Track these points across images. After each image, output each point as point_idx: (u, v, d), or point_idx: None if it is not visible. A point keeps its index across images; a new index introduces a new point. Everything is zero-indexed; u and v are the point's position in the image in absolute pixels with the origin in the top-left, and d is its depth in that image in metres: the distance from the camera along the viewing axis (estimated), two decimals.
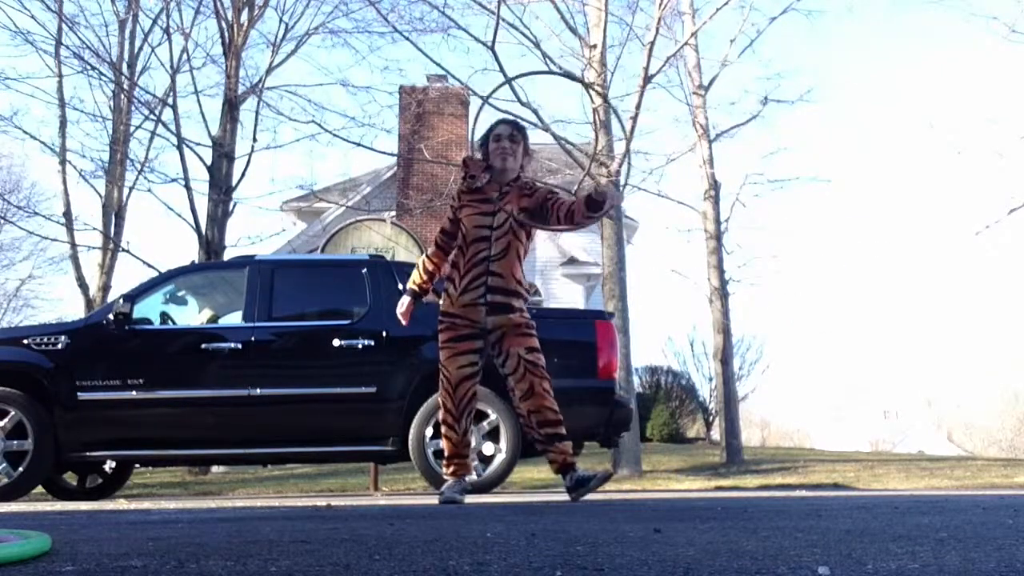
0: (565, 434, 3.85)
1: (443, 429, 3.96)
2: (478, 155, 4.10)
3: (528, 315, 3.93)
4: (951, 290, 65.36)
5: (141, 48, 14.17)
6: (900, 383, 46.20)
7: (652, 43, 10.15)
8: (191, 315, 6.14)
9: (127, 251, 12.50)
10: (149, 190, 13.29)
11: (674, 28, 12.79)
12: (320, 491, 7.84)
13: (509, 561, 1.56)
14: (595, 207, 3.70)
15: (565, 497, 4.02)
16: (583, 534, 2.05)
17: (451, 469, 3.93)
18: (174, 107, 12.24)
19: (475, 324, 3.87)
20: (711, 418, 19.45)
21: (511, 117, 4.16)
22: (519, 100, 9.85)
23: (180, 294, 6.08)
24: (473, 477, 4.53)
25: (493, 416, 5.38)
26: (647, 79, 10.16)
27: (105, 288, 14.10)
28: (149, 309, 5.75)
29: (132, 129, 13.95)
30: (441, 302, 4.05)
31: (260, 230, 34.28)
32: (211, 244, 11.77)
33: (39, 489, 6.05)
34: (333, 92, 50.38)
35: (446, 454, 3.96)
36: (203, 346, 5.51)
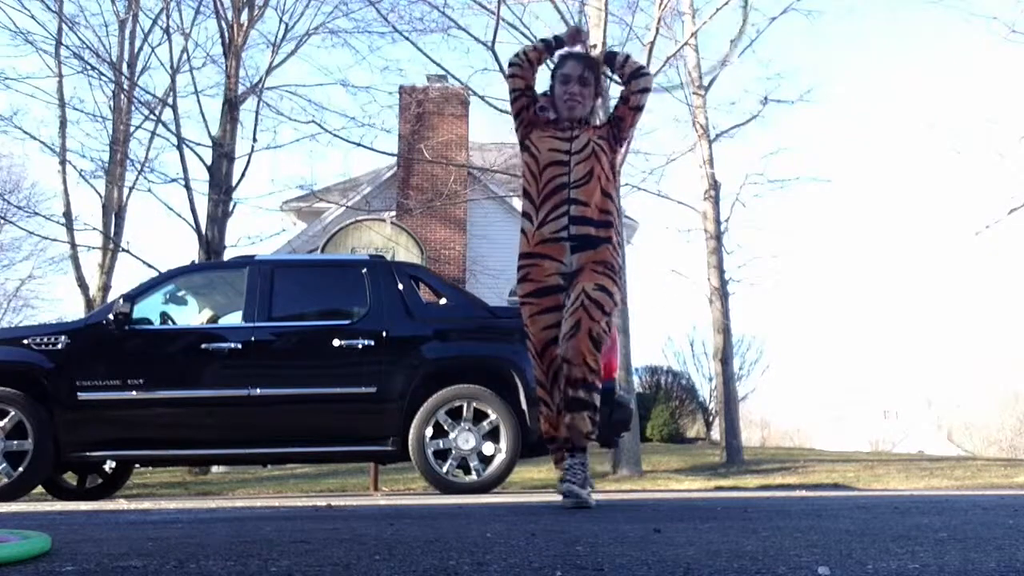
0: (588, 401, 3.15)
1: (539, 406, 3.40)
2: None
3: (618, 251, 3.36)
4: (951, 290, 65.42)
5: (141, 48, 14.19)
6: (900, 383, 46.18)
7: (652, 43, 10.16)
8: (191, 315, 6.14)
9: (127, 251, 12.51)
10: (149, 190, 13.30)
11: (674, 28, 12.80)
12: (320, 491, 7.84)
13: (509, 561, 1.56)
14: (610, 63, 3.45)
15: None
16: (583, 534, 2.05)
17: (555, 457, 3.36)
18: (174, 107, 12.25)
19: (559, 265, 3.28)
20: (711, 418, 19.45)
21: (582, 51, 3.52)
22: None
23: (180, 294, 6.08)
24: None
25: (493, 416, 5.38)
26: None
27: (105, 288, 14.10)
28: (149, 309, 5.75)
29: (132, 129, 13.95)
30: (519, 244, 3.48)
31: (260, 230, 34.22)
32: (211, 244, 11.77)
33: (39, 489, 6.05)
34: (333, 92, 50.43)
35: (544, 437, 3.41)
36: (203, 346, 5.51)
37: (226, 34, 12.37)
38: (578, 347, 3.12)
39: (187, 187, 11.99)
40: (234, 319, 5.85)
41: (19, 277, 25.26)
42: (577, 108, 3.38)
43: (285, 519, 2.85)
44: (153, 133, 13.38)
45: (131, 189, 14.31)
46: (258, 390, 5.41)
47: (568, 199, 3.26)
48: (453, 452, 5.37)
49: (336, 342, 5.48)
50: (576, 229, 3.25)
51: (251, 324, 5.57)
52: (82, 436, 5.34)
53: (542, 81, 3.56)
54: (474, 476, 5.36)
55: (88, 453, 5.40)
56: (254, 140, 12.42)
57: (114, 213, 14.32)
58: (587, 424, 3.17)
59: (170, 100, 12.34)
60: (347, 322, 5.61)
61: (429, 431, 5.36)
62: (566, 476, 3.18)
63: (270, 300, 5.64)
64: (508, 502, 4.10)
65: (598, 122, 3.54)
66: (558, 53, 3.52)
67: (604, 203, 3.29)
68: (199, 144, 12.32)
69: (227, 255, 11.65)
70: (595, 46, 10.37)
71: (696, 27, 11.69)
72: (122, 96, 13.73)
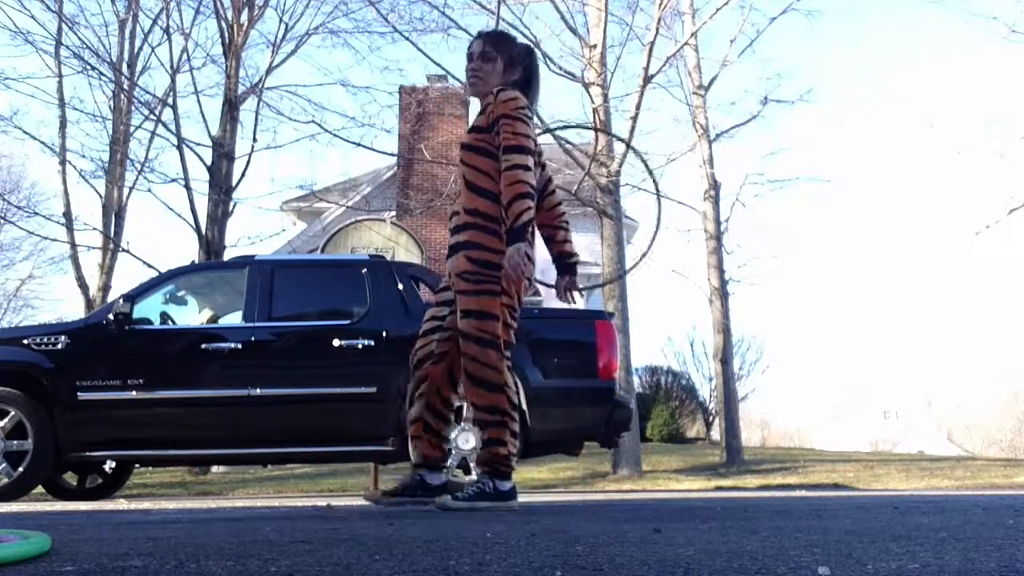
0: (492, 436, 3.06)
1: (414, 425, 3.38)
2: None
3: (482, 251, 3.00)
4: (951, 290, 65.44)
5: (141, 48, 14.18)
6: (900, 383, 46.20)
7: (652, 43, 10.16)
8: (191, 315, 6.14)
9: (127, 251, 12.50)
10: (149, 190, 13.30)
11: (674, 28, 12.80)
12: (320, 491, 7.84)
13: (509, 561, 1.56)
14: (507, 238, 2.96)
15: (565, 497, 4.02)
16: (583, 534, 2.05)
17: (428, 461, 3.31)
18: (174, 107, 12.24)
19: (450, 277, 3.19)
20: (711, 418, 19.44)
21: (486, 30, 3.33)
22: None
23: (180, 294, 6.08)
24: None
25: None
26: (647, 79, 10.16)
27: (105, 288, 14.09)
28: (149, 309, 5.75)
29: (132, 129, 13.95)
30: None
31: (260, 230, 34.25)
32: (211, 244, 11.77)
33: (39, 489, 6.05)
34: (333, 92, 50.48)
35: (427, 458, 3.35)
36: (203, 346, 5.51)
37: (226, 34, 12.37)
38: (467, 389, 3.06)
39: (187, 187, 11.99)
40: (234, 319, 5.85)
41: (19, 277, 25.30)
42: (477, 84, 3.19)
43: (285, 519, 2.85)
44: (153, 133, 13.39)
45: (131, 189, 14.31)
46: (258, 390, 5.40)
47: (452, 214, 3.18)
48: (453, 452, 5.37)
49: (336, 342, 5.48)
50: (451, 239, 3.13)
51: (251, 324, 5.57)
52: (82, 436, 5.34)
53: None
54: (474, 476, 5.36)
55: (88, 453, 5.40)
56: (254, 140, 12.43)
57: (114, 213, 14.32)
58: (498, 450, 3.04)
59: (170, 100, 12.34)
60: (347, 322, 5.61)
61: None
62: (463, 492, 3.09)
63: (270, 300, 5.64)
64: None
65: (494, 93, 3.10)
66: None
67: (471, 203, 3.05)
68: (199, 144, 12.34)
69: (227, 255, 11.65)
70: (595, 46, 10.38)
71: (696, 27, 11.69)
72: (122, 96, 13.73)
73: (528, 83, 3.19)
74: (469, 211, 3.03)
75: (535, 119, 3.24)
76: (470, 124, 3.18)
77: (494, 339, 3.01)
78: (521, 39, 3.89)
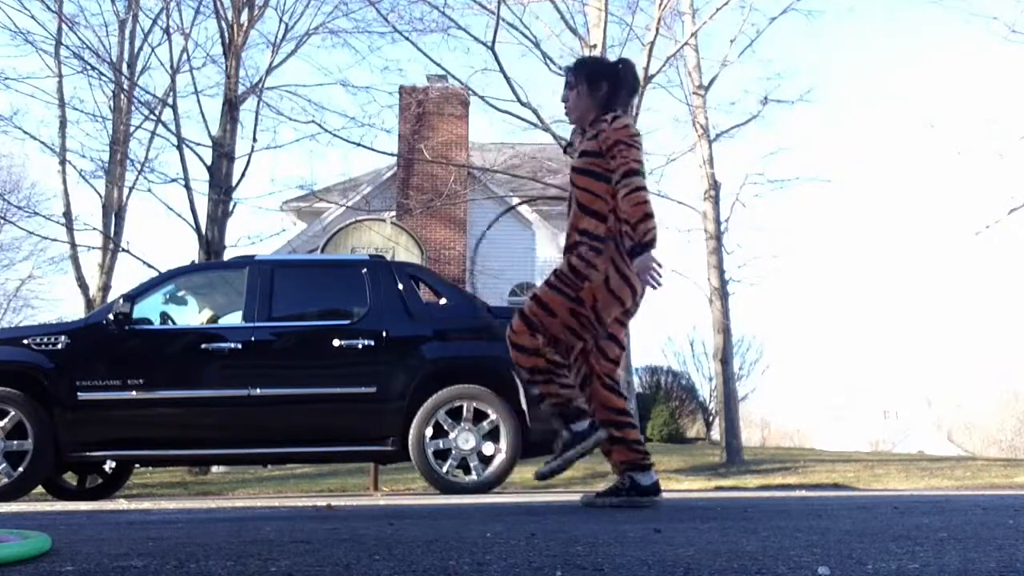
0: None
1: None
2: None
3: (581, 262, 3.23)
4: (951, 290, 65.43)
5: (141, 48, 14.18)
6: (900, 383, 46.19)
7: (652, 43, 10.16)
8: (191, 315, 6.14)
9: (127, 251, 12.50)
10: (149, 190, 13.28)
11: (674, 28, 12.79)
12: (320, 491, 7.84)
13: (509, 561, 1.56)
14: (634, 252, 3.18)
15: (565, 497, 4.02)
16: (583, 534, 2.05)
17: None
18: (174, 107, 12.24)
19: None
20: (711, 418, 19.44)
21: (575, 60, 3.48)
22: (519, 100, 9.87)
23: (180, 294, 6.08)
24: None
25: (493, 416, 5.38)
26: (647, 79, 10.16)
27: (105, 288, 14.09)
28: (149, 309, 5.75)
29: (132, 129, 13.94)
30: None
31: (260, 230, 34.26)
32: (211, 244, 11.76)
33: (39, 489, 6.05)
34: (333, 92, 50.47)
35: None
36: (203, 346, 5.51)
37: (226, 34, 12.37)
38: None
39: (187, 187, 11.99)
40: (234, 319, 5.85)
41: (19, 277, 25.30)
42: (570, 114, 3.43)
43: (285, 519, 2.85)
44: (153, 133, 13.39)
45: (131, 189, 14.30)
46: (258, 390, 5.41)
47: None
48: (453, 452, 5.38)
49: (336, 342, 5.48)
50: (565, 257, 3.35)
51: (251, 324, 5.57)
52: (82, 436, 5.34)
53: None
54: (474, 476, 5.36)
55: (88, 453, 5.40)
56: (254, 140, 12.42)
57: (114, 213, 14.31)
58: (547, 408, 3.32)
59: (170, 100, 12.33)
60: (347, 322, 5.61)
61: (429, 431, 5.36)
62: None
63: (270, 300, 5.64)
64: (508, 502, 4.10)
65: (603, 120, 3.31)
66: None
67: (581, 224, 3.28)
68: (199, 144, 12.33)
69: (227, 255, 11.65)
70: (595, 46, 10.38)
71: (696, 27, 11.69)
72: (122, 96, 13.73)
73: (615, 92, 3.38)
74: (580, 231, 3.29)
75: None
76: (578, 149, 3.37)
77: (540, 323, 3.24)
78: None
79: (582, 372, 3.35)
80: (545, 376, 3.25)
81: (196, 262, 9.94)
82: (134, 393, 5.37)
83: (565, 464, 3.24)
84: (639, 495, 3.25)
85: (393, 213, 13.45)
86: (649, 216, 3.15)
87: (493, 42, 9.65)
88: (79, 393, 5.33)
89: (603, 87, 3.36)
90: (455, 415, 5.41)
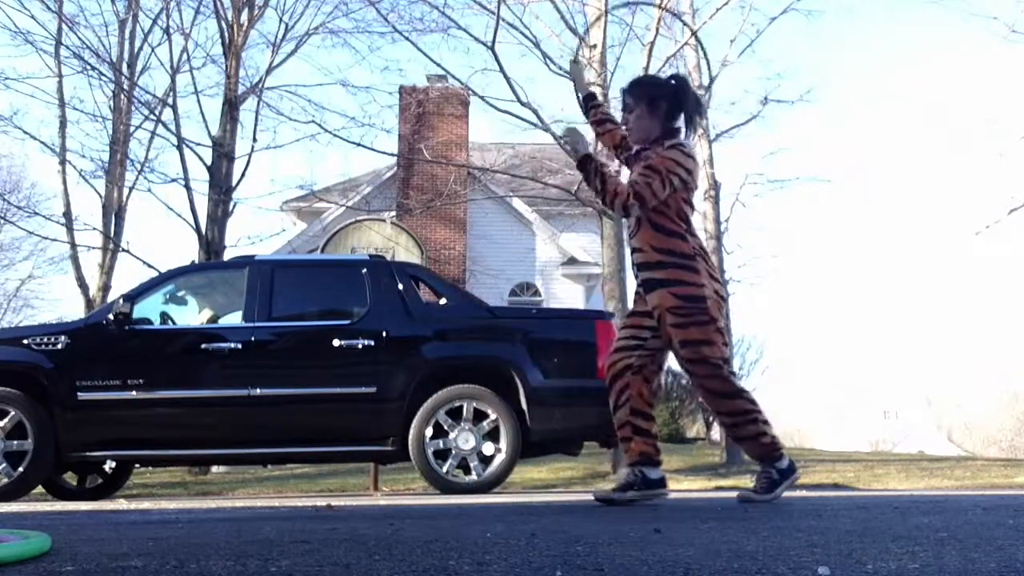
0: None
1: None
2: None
3: (686, 287, 3.26)
4: (951, 290, 65.46)
5: (141, 48, 14.15)
6: (900, 383, 46.19)
7: (652, 43, 10.16)
8: (191, 315, 6.13)
9: (127, 251, 12.49)
10: (149, 190, 13.28)
11: (674, 28, 12.78)
12: (320, 491, 7.84)
13: (509, 561, 1.56)
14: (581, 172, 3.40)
15: (565, 497, 4.02)
16: (583, 534, 2.05)
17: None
18: (174, 107, 12.24)
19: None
20: (711, 418, 19.42)
21: (629, 81, 3.55)
22: (519, 100, 9.86)
23: (180, 294, 6.08)
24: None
25: (493, 416, 5.38)
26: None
27: (105, 288, 14.08)
28: (149, 309, 5.75)
29: (132, 129, 13.92)
30: None
31: (260, 230, 34.26)
32: (211, 244, 11.76)
33: (39, 489, 6.05)
34: (333, 92, 50.46)
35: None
36: (203, 346, 5.51)
37: (226, 34, 12.36)
38: (709, 405, 3.48)
39: (187, 187, 11.98)
40: (234, 319, 5.84)
41: (19, 277, 25.28)
42: (632, 136, 3.47)
43: (285, 519, 2.85)
44: (153, 133, 13.37)
45: (131, 189, 14.28)
46: (258, 390, 5.40)
47: (632, 251, 3.43)
48: (453, 452, 5.37)
49: (336, 342, 5.48)
50: (641, 275, 3.39)
51: (251, 324, 5.57)
52: (82, 436, 5.34)
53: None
54: (474, 476, 5.36)
55: (88, 453, 5.40)
56: (254, 140, 12.42)
57: (114, 213, 14.30)
58: (761, 441, 3.36)
59: (170, 100, 12.33)
60: (347, 322, 5.61)
61: (429, 431, 5.36)
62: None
63: (270, 300, 5.64)
64: (508, 502, 4.10)
65: (654, 145, 3.38)
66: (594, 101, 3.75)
67: (661, 241, 3.30)
68: (199, 144, 12.31)
69: (227, 255, 11.64)
70: (595, 46, 10.38)
71: (696, 27, 11.68)
72: (122, 96, 13.71)
73: (674, 112, 3.40)
74: (662, 251, 3.30)
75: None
76: (635, 170, 3.38)
77: (717, 359, 3.29)
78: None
79: (623, 369, 3.37)
80: (747, 416, 3.31)
81: (196, 262, 9.94)
82: (134, 393, 5.36)
83: (773, 499, 3.31)
84: (648, 488, 3.30)
85: (393, 213, 13.43)
86: (614, 195, 3.27)
87: (493, 42, 9.64)
88: (79, 393, 5.32)
89: (663, 106, 3.38)
90: (455, 415, 5.41)
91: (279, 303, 5.68)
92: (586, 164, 3.36)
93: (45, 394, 5.34)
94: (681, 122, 3.42)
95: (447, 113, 16.41)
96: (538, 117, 9.90)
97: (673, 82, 3.50)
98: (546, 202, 15.01)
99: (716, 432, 16.43)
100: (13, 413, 5.26)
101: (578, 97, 3.84)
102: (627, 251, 4.02)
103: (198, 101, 12.21)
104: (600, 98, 3.56)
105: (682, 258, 3.28)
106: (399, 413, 5.41)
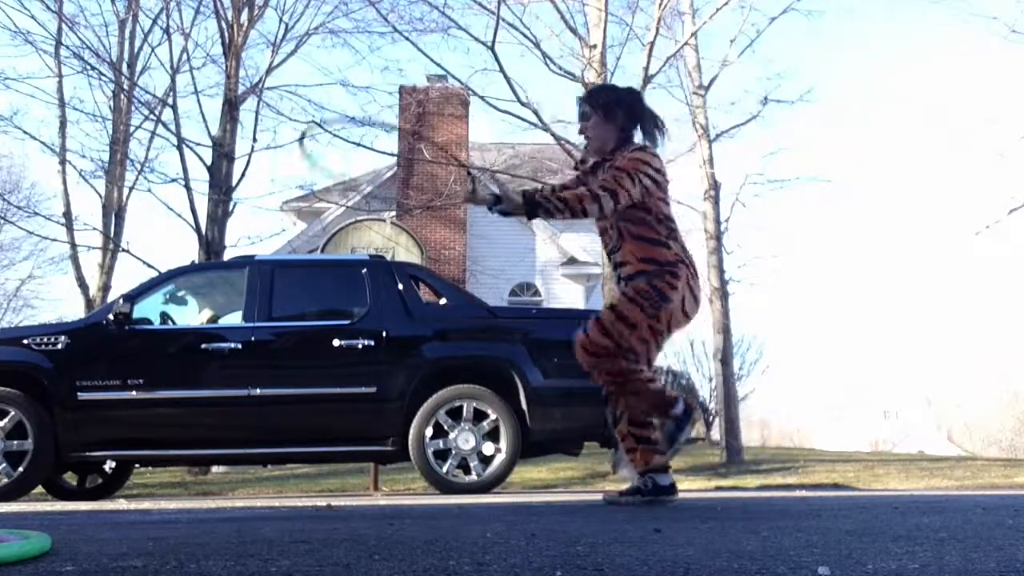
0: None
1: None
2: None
3: (647, 284, 3.27)
4: (951, 290, 65.46)
5: (141, 48, 14.16)
6: (900, 383, 46.21)
7: (652, 43, 10.16)
8: (191, 315, 6.13)
9: (127, 251, 12.49)
10: (149, 190, 13.26)
11: (674, 28, 12.78)
12: (320, 491, 7.84)
13: (509, 561, 1.56)
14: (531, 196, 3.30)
15: (565, 497, 4.02)
16: (583, 534, 2.05)
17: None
18: (174, 107, 12.23)
19: None
20: (711, 418, 19.42)
21: (585, 90, 3.50)
22: (519, 100, 9.86)
23: (180, 294, 6.08)
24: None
25: (493, 416, 5.38)
26: (647, 79, 10.16)
27: (105, 288, 14.07)
28: (149, 309, 5.75)
29: (132, 129, 13.92)
30: None
31: (260, 230, 34.24)
32: (211, 244, 11.75)
33: (39, 489, 6.05)
34: (333, 92, 50.44)
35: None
36: (203, 346, 5.51)
37: (226, 34, 12.36)
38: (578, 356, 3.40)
39: (187, 187, 11.97)
40: (234, 319, 5.85)
41: (19, 277, 25.27)
42: (591, 144, 3.43)
43: (285, 519, 2.85)
44: (153, 133, 13.37)
45: (131, 189, 14.28)
46: (258, 390, 5.40)
47: (616, 264, 3.41)
48: (453, 452, 5.37)
49: (336, 342, 5.48)
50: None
51: (251, 324, 5.57)
52: (82, 436, 5.34)
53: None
54: (474, 476, 5.36)
55: (88, 453, 5.40)
56: (254, 140, 12.41)
57: (114, 213, 14.30)
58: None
59: (170, 100, 12.32)
60: (347, 322, 5.61)
61: (429, 431, 5.36)
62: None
63: (270, 300, 5.64)
64: (508, 502, 4.10)
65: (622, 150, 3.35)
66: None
67: (643, 251, 3.30)
68: (199, 144, 12.30)
69: (227, 255, 11.64)
70: (595, 46, 10.38)
71: (696, 27, 11.68)
72: (122, 96, 13.71)
73: (631, 121, 3.39)
74: (646, 260, 3.29)
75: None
76: (600, 179, 3.34)
77: (626, 345, 3.26)
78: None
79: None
80: (627, 376, 3.30)
81: (196, 262, 9.93)
82: (134, 393, 5.36)
83: (676, 452, 3.40)
84: (658, 495, 3.31)
85: (393, 213, 13.43)
86: (581, 202, 3.18)
87: (493, 42, 9.64)
88: (79, 393, 5.32)
89: (621, 114, 3.37)
90: (455, 415, 5.41)
91: (279, 303, 5.68)
92: (535, 208, 3.26)
93: (45, 394, 5.34)
94: (639, 135, 3.40)
95: (447, 113, 16.41)
96: (538, 117, 9.91)
97: (628, 94, 3.50)
98: None
99: (716, 432, 16.42)
100: (13, 413, 5.26)
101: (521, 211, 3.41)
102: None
103: (198, 101, 12.22)
104: (529, 194, 3.34)
105: (665, 266, 3.29)
106: (399, 413, 5.41)
